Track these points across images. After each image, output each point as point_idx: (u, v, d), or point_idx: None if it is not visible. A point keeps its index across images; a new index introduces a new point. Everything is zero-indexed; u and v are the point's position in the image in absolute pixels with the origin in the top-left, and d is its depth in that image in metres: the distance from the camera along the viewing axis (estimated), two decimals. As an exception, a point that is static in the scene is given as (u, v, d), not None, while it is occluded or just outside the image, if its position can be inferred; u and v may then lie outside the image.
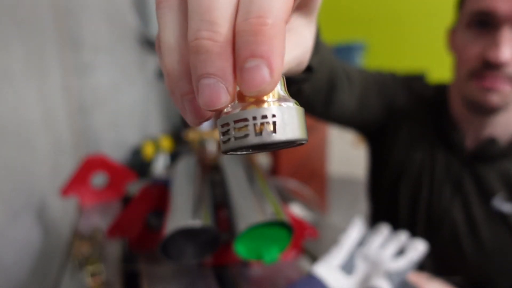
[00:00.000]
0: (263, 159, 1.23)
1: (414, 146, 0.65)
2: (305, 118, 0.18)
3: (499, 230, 0.57)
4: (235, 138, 0.16)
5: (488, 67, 0.50)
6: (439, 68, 2.39)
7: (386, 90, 0.65)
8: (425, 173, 0.63)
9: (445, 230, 0.61)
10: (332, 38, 2.80)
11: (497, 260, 0.58)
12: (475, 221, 0.58)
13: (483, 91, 0.52)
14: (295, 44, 0.21)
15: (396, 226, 0.65)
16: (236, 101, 0.17)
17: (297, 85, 0.39)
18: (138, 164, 1.31)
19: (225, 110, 0.17)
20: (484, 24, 0.51)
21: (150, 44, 1.43)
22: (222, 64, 0.15)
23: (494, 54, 0.49)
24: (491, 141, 0.57)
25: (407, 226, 0.65)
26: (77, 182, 0.77)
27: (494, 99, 0.52)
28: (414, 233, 0.64)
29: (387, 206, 0.70)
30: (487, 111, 0.54)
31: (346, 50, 2.61)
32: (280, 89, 0.17)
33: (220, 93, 0.16)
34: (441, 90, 0.66)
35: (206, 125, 1.33)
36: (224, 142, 0.17)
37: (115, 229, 0.58)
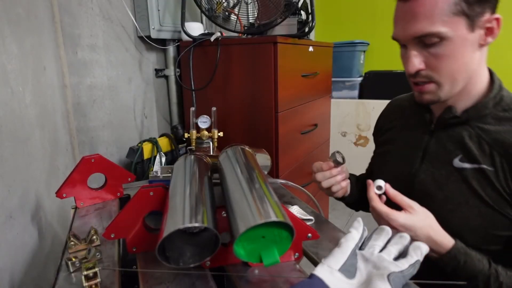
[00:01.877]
0: (263, 160, 1.22)
1: (396, 132, 0.83)
2: None
3: (461, 186, 0.67)
4: None
5: (409, 76, 0.67)
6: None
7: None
8: (403, 148, 0.79)
9: (416, 190, 0.73)
10: (335, 38, 2.80)
11: (461, 213, 0.67)
12: (440, 180, 0.70)
13: (418, 94, 0.69)
14: None
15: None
16: None
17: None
18: (136, 164, 1.30)
19: None
20: (403, 45, 0.67)
21: (148, 42, 1.42)
22: None
23: (406, 68, 0.66)
24: (449, 108, 0.69)
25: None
26: (73, 182, 0.75)
27: (427, 97, 0.68)
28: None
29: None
30: (427, 105, 0.71)
31: (350, 46, 2.68)
32: None
33: None
34: None
35: (204, 126, 1.32)
36: None
37: (112, 230, 0.57)
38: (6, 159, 0.82)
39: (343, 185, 0.80)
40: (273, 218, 0.44)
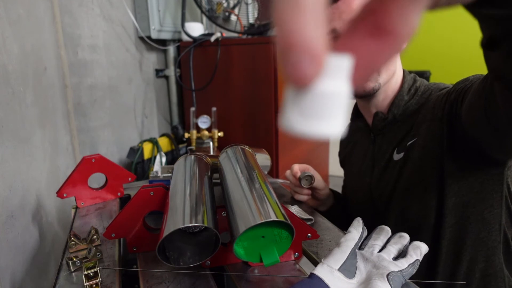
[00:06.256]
0: (263, 160, 1.22)
1: (347, 147, 0.93)
2: None
3: (405, 170, 0.73)
4: None
5: None
6: (438, 69, 2.44)
7: None
8: (358, 163, 0.87)
9: (375, 196, 0.81)
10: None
11: (407, 202, 0.73)
12: (389, 177, 0.77)
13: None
14: None
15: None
16: None
17: None
18: (136, 164, 1.30)
19: None
20: None
21: (148, 42, 1.42)
22: None
23: None
24: (376, 114, 0.78)
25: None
26: (74, 182, 0.76)
27: (370, 84, 0.72)
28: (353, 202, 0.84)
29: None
30: (369, 94, 0.74)
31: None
32: None
33: None
34: None
35: (204, 126, 1.32)
36: None
37: (113, 230, 0.57)
38: (7, 159, 0.83)
39: (302, 199, 0.85)
40: (273, 218, 0.44)
